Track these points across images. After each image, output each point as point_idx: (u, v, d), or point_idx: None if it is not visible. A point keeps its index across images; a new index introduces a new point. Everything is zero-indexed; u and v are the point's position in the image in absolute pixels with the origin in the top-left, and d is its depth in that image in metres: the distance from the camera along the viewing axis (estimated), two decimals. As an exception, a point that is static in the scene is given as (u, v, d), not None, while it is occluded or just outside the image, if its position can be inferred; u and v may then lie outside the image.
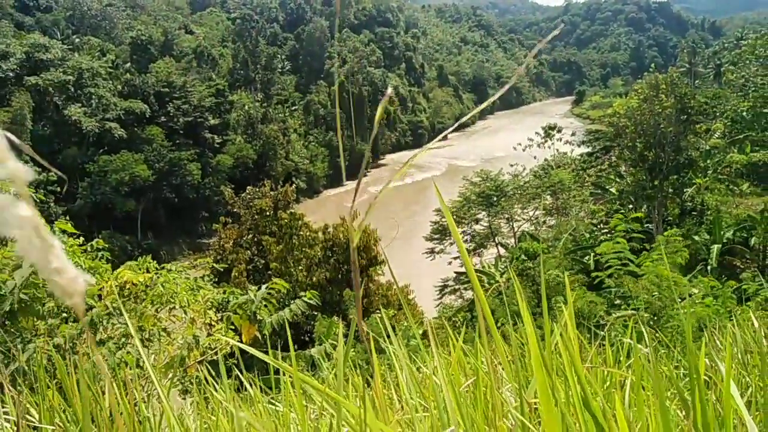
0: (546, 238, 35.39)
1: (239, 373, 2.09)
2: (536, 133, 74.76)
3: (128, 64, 71.49)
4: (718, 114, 43.56)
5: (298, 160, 77.23)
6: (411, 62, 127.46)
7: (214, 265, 11.93)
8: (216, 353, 4.38)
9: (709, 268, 25.19)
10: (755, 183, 36.09)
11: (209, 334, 4.81)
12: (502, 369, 1.72)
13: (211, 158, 66.86)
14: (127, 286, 4.65)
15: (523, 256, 29.73)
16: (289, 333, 1.72)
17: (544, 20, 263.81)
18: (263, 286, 5.69)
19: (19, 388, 2.18)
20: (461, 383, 1.65)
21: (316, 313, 19.40)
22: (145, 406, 1.97)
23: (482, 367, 1.57)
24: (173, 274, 5.03)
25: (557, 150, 65.34)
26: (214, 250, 26.31)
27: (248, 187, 28.69)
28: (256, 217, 25.84)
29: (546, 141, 72.13)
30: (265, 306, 5.49)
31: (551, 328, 1.49)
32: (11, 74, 59.11)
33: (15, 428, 1.83)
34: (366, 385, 2.22)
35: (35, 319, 4.09)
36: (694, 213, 32.07)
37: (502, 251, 38.25)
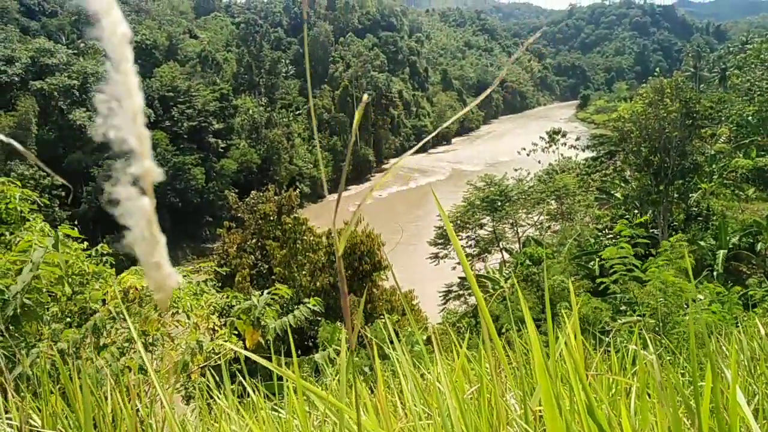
0: (551, 243, 35.30)
1: (242, 379, 2.09)
2: (540, 137, 74.73)
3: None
4: (723, 118, 43.44)
5: (302, 165, 77.35)
6: (415, 66, 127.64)
7: (217, 268, 11.96)
8: (219, 358, 4.37)
9: (714, 273, 25.08)
10: (761, 188, 35.94)
11: (212, 339, 4.80)
12: (506, 376, 1.71)
13: (215, 163, 67.03)
14: (131, 291, 4.65)
15: (527, 262, 29.65)
16: (291, 339, 1.71)
17: (548, 24, 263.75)
18: (265, 292, 5.69)
19: (22, 393, 2.18)
20: (465, 390, 1.64)
21: (319, 319, 19.38)
22: (147, 412, 1.96)
23: (486, 374, 1.56)
24: (177, 278, 5.00)
25: (562, 154, 65.24)
26: (218, 255, 26.33)
27: (252, 192, 28.73)
28: (260, 221, 25.86)
29: (550, 145, 72.10)
30: (268, 308, 5.49)
31: (556, 335, 1.48)
32: (17, 79, 59.46)
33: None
34: (370, 391, 2.21)
35: (39, 324, 4.10)
36: (700, 218, 31.94)
37: (507, 256, 38.18)
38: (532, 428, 1.25)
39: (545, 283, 1.38)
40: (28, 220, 5.55)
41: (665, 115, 29.82)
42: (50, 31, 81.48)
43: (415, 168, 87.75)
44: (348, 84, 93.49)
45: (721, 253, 27.03)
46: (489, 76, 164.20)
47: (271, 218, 25.55)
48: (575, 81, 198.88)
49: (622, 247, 11.27)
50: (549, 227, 40.69)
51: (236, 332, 5.40)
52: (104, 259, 5.53)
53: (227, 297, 5.92)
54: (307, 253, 24.23)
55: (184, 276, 5.30)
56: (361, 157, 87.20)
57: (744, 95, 49.77)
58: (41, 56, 61.94)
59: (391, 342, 1.49)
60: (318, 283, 23.30)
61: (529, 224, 40.81)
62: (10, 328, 3.80)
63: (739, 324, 4.99)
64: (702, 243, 27.97)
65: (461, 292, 34.41)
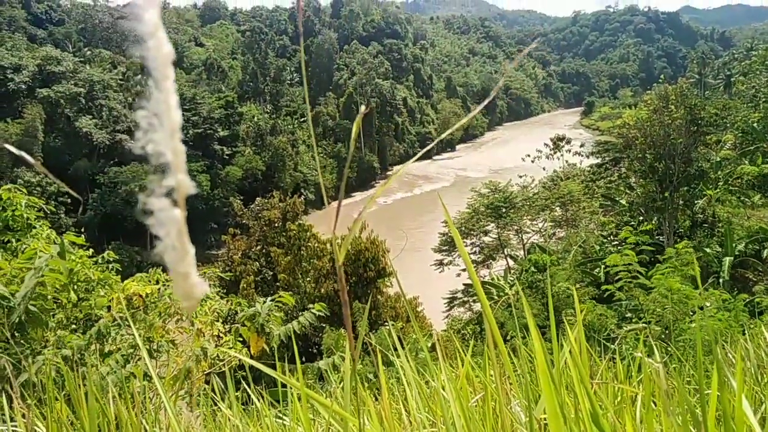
0: (555, 250, 35.21)
1: (247, 387, 2.09)
2: (545, 144, 74.75)
3: (139, 77, 72.22)
4: (728, 125, 43.27)
5: (307, 172, 77.50)
6: (419, 74, 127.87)
7: (221, 274, 11.95)
8: (224, 365, 4.37)
9: (720, 280, 24.96)
10: (767, 195, 35.78)
11: (217, 346, 4.80)
12: (511, 384, 1.70)
13: (221, 170, 67.23)
14: (135, 299, 4.66)
15: (532, 269, 29.57)
16: (295, 346, 1.71)
17: (552, 31, 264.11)
18: (268, 299, 5.70)
19: (27, 400, 2.18)
20: (470, 398, 1.64)
21: (324, 325, 19.36)
22: (152, 419, 1.96)
23: (491, 382, 1.56)
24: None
25: (566, 161, 65.21)
26: (223, 262, 26.38)
27: (257, 199, 28.82)
28: (264, 228, 25.91)
29: (555, 152, 72.07)
30: (272, 315, 5.50)
31: (561, 343, 1.47)
32: (23, 86, 59.87)
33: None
34: (374, 399, 2.21)
35: (44, 330, 4.11)
36: (705, 225, 31.80)
37: (512, 263, 38.09)
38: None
39: (549, 290, 1.38)
40: (35, 227, 5.57)
41: (670, 121, 29.75)
42: (57, 39, 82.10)
43: (420, 175, 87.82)
44: (352, 91, 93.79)
45: (727, 260, 26.90)
46: (493, 83, 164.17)
47: (276, 225, 25.59)
48: (579, 88, 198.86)
49: (626, 254, 11.24)
50: (554, 234, 40.59)
51: (241, 339, 5.40)
52: (110, 266, 5.54)
53: (231, 304, 5.93)
54: (311, 260, 24.23)
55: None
56: (365, 164, 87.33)
57: (749, 102, 49.61)
58: (48, 64, 62.38)
59: (395, 349, 1.49)
60: (323, 290, 23.29)
61: (533, 231, 40.73)
62: (16, 335, 3.81)
63: (745, 332, 4.96)
64: (708, 250, 27.85)
65: (466, 299, 34.33)
